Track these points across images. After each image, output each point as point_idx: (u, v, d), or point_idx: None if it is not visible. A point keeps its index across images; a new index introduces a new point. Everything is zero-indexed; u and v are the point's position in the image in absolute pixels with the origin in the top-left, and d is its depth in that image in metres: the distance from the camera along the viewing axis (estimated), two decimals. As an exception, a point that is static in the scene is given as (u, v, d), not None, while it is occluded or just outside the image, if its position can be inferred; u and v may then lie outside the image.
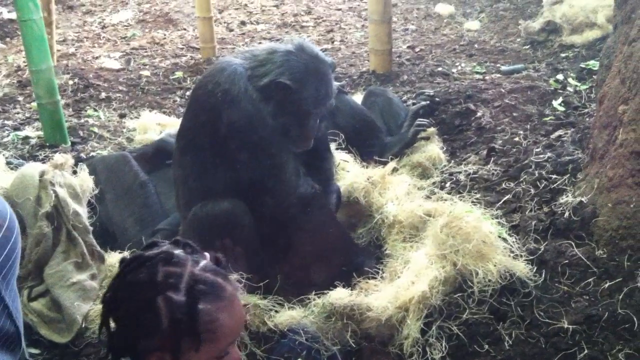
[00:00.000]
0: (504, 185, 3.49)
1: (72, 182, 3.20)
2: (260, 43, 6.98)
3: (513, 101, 4.34)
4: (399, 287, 2.76)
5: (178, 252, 1.72)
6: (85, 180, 3.30)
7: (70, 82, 5.60)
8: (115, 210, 3.44)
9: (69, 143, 4.44)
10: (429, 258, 2.81)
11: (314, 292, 2.84)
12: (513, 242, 2.85)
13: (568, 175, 3.34)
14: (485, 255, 2.73)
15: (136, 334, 1.64)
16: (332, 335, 2.68)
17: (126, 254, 3.21)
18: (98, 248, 3.16)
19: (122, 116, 5.12)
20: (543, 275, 2.73)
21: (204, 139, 2.92)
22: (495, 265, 2.70)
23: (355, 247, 3.26)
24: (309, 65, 2.97)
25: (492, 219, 3.01)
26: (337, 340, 2.67)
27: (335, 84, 4.11)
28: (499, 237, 2.83)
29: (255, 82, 2.90)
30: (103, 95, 5.48)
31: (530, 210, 3.18)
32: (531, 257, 2.79)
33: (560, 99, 4.34)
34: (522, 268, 2.72)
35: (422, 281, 2.71)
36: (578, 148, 3.58)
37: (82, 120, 4.97)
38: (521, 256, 2.78)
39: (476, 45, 6.31)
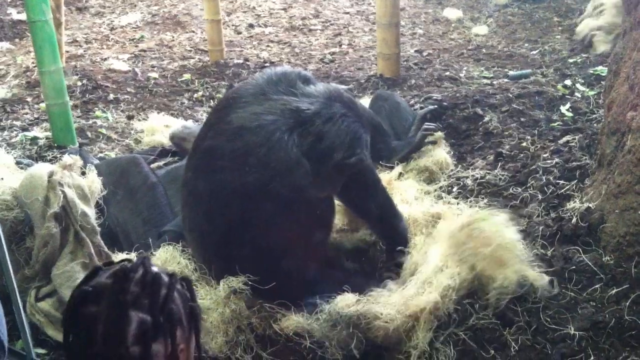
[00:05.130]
0: (511, 191, 3.48)
1: (80, 183, 3.21)
2: (268, 46, 7.00)
3: (521, 106, 4.34)
4: (409, 297, 2.72)
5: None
6: (93, 182, 3.31)
7: (79, 84, 5.63)
8: (124, 212, 3.45)
9: (77, 144, 4.45)
10: (443, 260, 2.79)
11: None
12: (525, 248, 2.83)
13: (576, 181, 3.34)
14: (504, 262, 2.69)
15: None
16: (336, 343, 2.67)
17: (133, 254, 3.23)
18: (105, 249, 3.16)
19: (130, 118, 5.14)
20: (550, 281, 2.73)
21: None
22: (514, 273, 2.67)
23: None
24: None
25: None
26: (342, 347, 2.66)
27: (343, 87, 4.12)
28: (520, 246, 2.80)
29: None
30: (111, 96, 5.50)
31: (538, 216, 3.18)
32: (550, 269, 2.77)
33: (568, 105, 4.33)
34: (538, 278, 2.70)
35: (434, 289, 2.68)
36: (586, 154, 3.57)
37: (90, 122, 4.99)
38: (540, 266, 2.76)
39: (484, 50, 6.31)
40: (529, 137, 3.95)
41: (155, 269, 1.56)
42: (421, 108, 4.38)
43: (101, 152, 4.46)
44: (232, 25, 7.76)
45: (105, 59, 6.52)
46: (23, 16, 7.15)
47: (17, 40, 7.24)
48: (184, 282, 1.61)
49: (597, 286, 2.68)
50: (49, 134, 4.56)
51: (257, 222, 2.82)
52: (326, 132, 2.81)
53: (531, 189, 3.42)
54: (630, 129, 2.88)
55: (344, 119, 2.86)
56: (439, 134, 4.06)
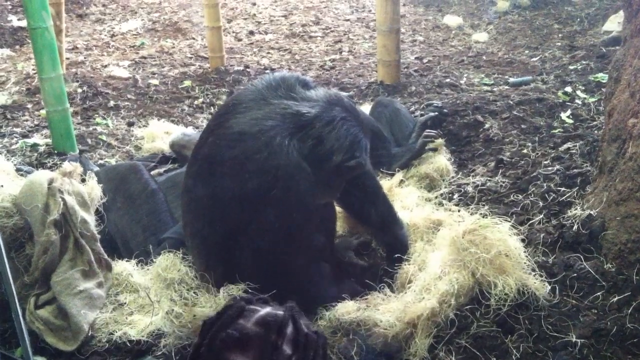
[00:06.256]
0: (512, 198, 3.48)
1: (80, 190, 3.20)
2: (268, 53, 7.01)
3: (521, 113, 4.34)
4: (407, 303, 2.72)
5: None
6: (93, 189, 3.30)
7: (79, 90, 5.63)
8: (124, 219, 3.44)
9: (77, 151, 4.45)
10: (443, 265, 2.77)
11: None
12: (527, 256, 2.82)
13: (577, 188, 3.33)
14: (506, 270, 2.68)
15: None
16: (337, 350, 2.66)
17: (133, 262, 3.22)
18: (105, 256, 3.15)
19: (130, 124, 5.14)
20: (551, 289, 2.72)
21: None
22: (515, 281, 2.66)
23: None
24: None
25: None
26: (343, 354, 2.65)
27: (343, 94, 4.13)
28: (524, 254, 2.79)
29: None
30: (112, 103, 5.50)
31: (539, 223, 3.17)
32: (552, 276, 2.76)
33: (569, 112, 4.33)
34: (539, 285, 2.68)
35: (432, 295, 2.67)
36: (587, 161, 3.57)
37: (91, 128, 4.99)
38: (541, 275, 2.75)
39: (484, 57, 6.31)
40: (529, 144, 3.95)
41: (304, 327, 1.51)
42: (421, 115, 4.38)
43: (101, 159, 4.46)
44: (233, 32, 7.77)
45: (106, 66, 6.53)
46: (23, 23, 7.16)
47: (17, 47, 7.24)
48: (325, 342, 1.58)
49: (598, 294, 2.66)
50: (49, 140, 4.56)
51: (258, 229, 2.81)
52: (326, 135, 2.81)
53: (532, 196, 3.42)
54: (631, 136, 2.88)
55: (343, 123, 2.87)
56: (440, 140, 4.06)
